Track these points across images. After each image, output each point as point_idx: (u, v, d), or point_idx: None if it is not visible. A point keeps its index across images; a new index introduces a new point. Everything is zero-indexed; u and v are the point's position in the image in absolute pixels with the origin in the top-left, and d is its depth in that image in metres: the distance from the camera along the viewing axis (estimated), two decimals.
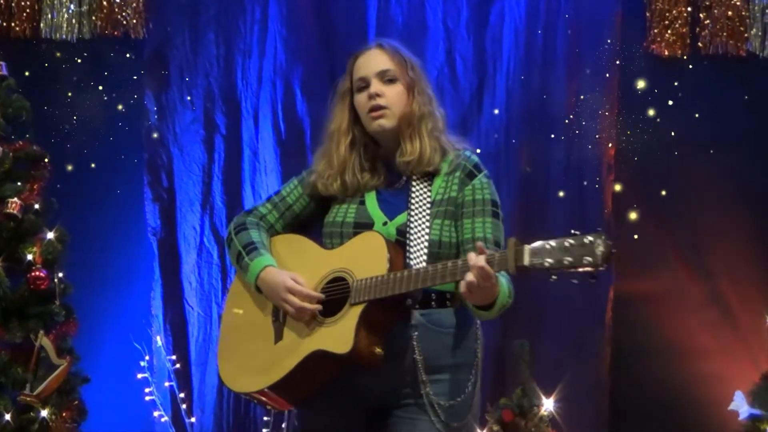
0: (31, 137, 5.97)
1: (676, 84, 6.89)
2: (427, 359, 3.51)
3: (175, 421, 6.66)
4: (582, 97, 6.89)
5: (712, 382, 6.55)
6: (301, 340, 3.53)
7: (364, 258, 3.50)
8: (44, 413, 5.53)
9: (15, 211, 5.67)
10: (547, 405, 6.09)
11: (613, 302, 6.74)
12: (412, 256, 3.52)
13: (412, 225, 3.56)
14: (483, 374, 3.66)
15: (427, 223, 3.57)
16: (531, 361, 6.15)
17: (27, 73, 6.75)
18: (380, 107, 3.63)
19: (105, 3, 6.88)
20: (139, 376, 6.56)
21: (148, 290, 6.85)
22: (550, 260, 3.15)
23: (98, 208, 6.89)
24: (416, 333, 3.51)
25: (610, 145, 6.85)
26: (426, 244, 3.54)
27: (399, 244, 3.53)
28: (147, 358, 6.61)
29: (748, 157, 6.79)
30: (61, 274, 5.78)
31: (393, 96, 3.65)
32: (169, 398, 6.68)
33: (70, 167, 6.86)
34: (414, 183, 3.65)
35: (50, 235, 5.77)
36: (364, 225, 3.60)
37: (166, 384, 6.68)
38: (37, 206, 5.80)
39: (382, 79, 3.66)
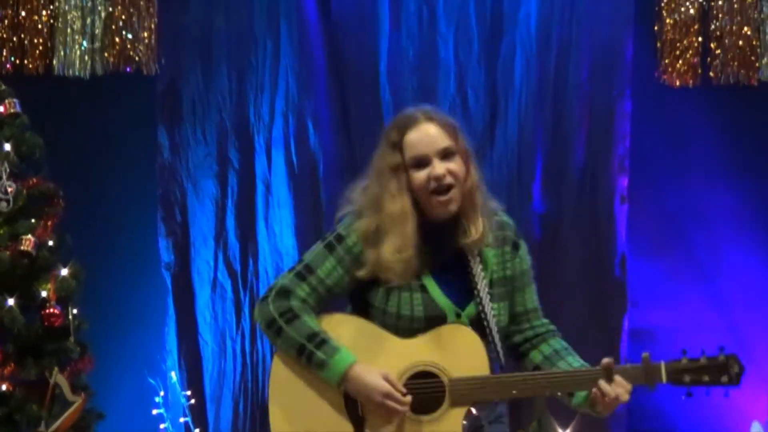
0: (45, 174, 5.97)
1: (687, 114, 6.88)
2: (483, 416, 3.53)
3: None
4: (594, 128, 6.89)
5: (728, 413, 6.52)
6: None
7: (456, 354, 3.43)
8: None
9: (29, 248, 5.66)
10: None
11: (628, 333, 6.73)
12: (494, 349, 3.50)
13: (484, 315, 3.51)
14: None
15: (494, 311, 3.54)
16: None
17: (40, 110, 6.77)
18: (449, 187, 3.48)
19: (117, 39, 6.91)
20: (154, 411, 6.54)
21: (162, 325, 6.85)
22: (688, 378, 3.40)
23: (112, 243, 6.90)
24: None
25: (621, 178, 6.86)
26: (497, 332, 3.52)
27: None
28: (162, 393, 6.60)
29: (763, 186, 6.79)
30: (75, 311, 5.77)
31: (456, 172, 3.50)
32: None
33: (83, 203, 6.87)
34: (470, 260, 3.56)
35: (64, 272, 5.76)
36: (436, 318, 3.49)
37: (181, 419, 6.67)
38: (50, 243, 5.80)
39: (444, 157, 3.51)
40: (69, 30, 6.87)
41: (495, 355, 3.47)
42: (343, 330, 3.53)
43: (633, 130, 6.86)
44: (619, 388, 3.32)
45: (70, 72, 6.89)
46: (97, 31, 6.91)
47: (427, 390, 3.42)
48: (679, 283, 6.73)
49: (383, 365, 3.43)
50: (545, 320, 3.65)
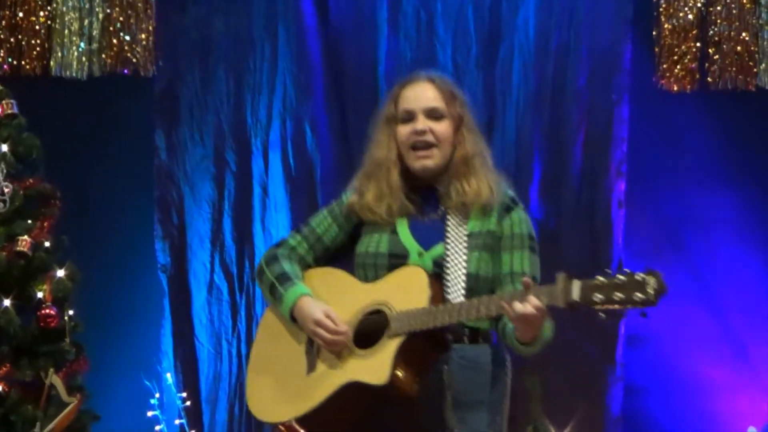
0: (42, 175, 5.97)
1: (685, 119, 6.88)
2: (457, 395, 3.49)
3: None
4: (592, 133, 6.88)
5: (724, 418, 6.52)
6: (334, 372, 3.50)
7: (403, 291, 3.48)
8: None
9: (25, 249, 5.66)
10: None
11: (625, 337, 6.72)
12: (449, 290, 3.50)
13: (449, 257, 3.54)
14: None
15: (464, 256, 3.54)
16: (542, 397, 6.12)
17: (37, 111, 6.76)
18: (428, 144, 3.59)
19: (115, 41, 6.91)
20: (150, 413, 6.53)
21: (158, 327, 6.84)
22: (600, 296, 3.16)
23: (108, 245, 6.89)
24: (446, 367, 3.49)
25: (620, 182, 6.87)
26: (463, 277, 3.52)
27: (436, 277, 3.50)
28: (157, 395, 6.59)
29: (760, 191, 6.79)
30: (71, 312, 5.77)
31: (440, 132, 3.60)
32: None
33: (80, 205, 6.86)
34: (450, 214, 3.62)
35: (60, 273, 5.76)
36: (398, 255, 3.57)
37: (177, 421, 6.66)
38: (47, 244, 5.79)
39: (430, 116, 3.61)
40: (66, 31, 6.87)
41: (448, 296, 3.49)
42: (316, 278, 3.70)
43: (631, 134, 6.85)
44: (528, 306, 3.23)
45: (68, 73, 6.89)
46: (94, 33, 6.91)
47: (374, 326, 3.49)
48: (676, 287, 6.71)
49: (343, 307, 3.55)
50: None
